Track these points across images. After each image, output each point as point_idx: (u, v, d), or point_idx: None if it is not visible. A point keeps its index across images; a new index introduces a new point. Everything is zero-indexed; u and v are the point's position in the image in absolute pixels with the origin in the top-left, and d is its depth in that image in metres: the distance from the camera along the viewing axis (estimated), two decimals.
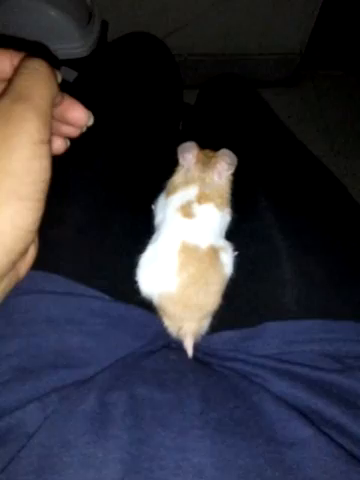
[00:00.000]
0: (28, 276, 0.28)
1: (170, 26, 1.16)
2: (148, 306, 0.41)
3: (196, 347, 0.40)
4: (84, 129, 0.29)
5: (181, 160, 0.42)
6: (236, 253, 0.44)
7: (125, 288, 0.41)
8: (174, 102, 0.68)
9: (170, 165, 0.64)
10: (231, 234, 0.43)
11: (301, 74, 1.41)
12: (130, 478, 0.26)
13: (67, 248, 0.41)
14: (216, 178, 0.41)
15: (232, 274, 0.41)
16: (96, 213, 0.44)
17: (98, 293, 0.40)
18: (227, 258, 0.40)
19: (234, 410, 0.32)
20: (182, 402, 0.32)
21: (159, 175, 0.56)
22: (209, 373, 0.37)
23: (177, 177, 0.42)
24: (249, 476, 0.27)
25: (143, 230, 0.46)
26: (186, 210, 0.39)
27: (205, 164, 0.41)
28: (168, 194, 0.42)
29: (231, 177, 0.42)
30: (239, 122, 0.60)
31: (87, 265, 0.41)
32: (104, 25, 1.05)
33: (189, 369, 0.36)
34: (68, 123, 0.28)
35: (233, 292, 0.40)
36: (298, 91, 1.42)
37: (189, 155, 0.41)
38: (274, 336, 0.39)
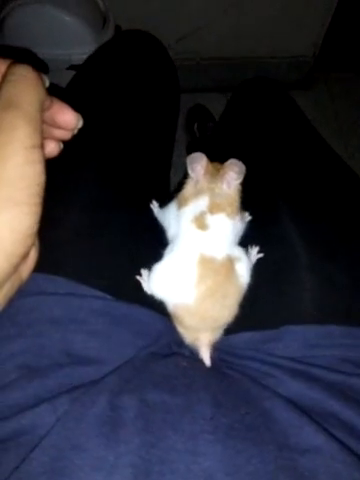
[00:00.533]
0: (30, 279, 0.29)
1: (182, 30, 1.16)
2: (151, 305, 0.41)
3: (213, 348, 0.40)
4: (75, 131, 0.29)
5: (190, 171, 0.42)
6: (261, 255, 0.44)
7: (127, 288, 0.42)
8: (170, 100, 0.67)
9: (167, 165, 0.64)
10: (253, 238, 0.43)
11: (314, 77, 1.40)
12: None
13: (66, 250, 0.41)
14: (225, 188, 0.41)
15: (254, 276, 0.41)
16: (93, 214, 0.44)
17: (99, 293, 0.40)
18: (243, 268, 0.40)
19: (245, 416, 0.32)
20: (193, 407, 0.32)
21: (156, 174, 0.57)
22: (220, 379, 0.36)
23: (187, 189, 0.42)
24: None
25: (141, 229, 0.47)
26: (200, 222, 0.40)
27: (214, 175, 0.42)
28: (180, 206, 0.42)
29: (240, 186, 0.42)
30: (269, 127, 0.60)
31: (87, 266, 0.41)
32: (118, 30, 1.06)
33: (200, 375, 0.36)
34: (59, 126, 0.28)
35: (255, 294, 0.40)
36: (311, 94, 1.41)
37: (198, 166, 0.41)
38: (295, 339, 0.39)
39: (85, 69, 0.64)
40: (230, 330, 0.41)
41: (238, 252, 0.41)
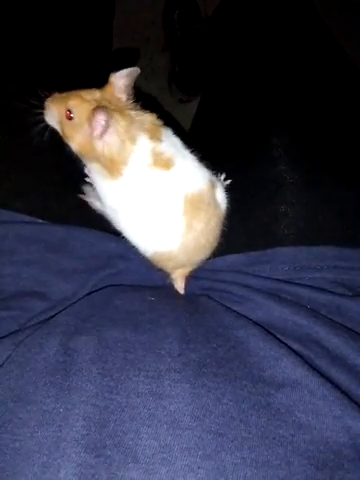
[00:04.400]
0: None
1: None
2: (98, 227, 0.37)
3: (193, 275, 0.39)
4: None
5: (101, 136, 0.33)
6: (228, 182, 0.41)
7: (62, 209, 0.37)
8: None
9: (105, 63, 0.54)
10: (244, 158, 0.41)
11: None
12: (96, 434, 0.23)
13: None
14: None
15: (246, 197, 0.39)
16: (4, 124, 0.37)
17: (27, 217, 0.35)
18: (220, 193, 0.37)
19: (217, 349, 0.29)
20: (159, 343, 0.29)
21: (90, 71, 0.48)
22: (192, 311, 0.33)
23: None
24: (231, 424, 0.25)
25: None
26: (161, 161, 0.33)
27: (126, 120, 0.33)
28: (117, 173, 0.33)
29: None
30: (273, 29, 0.49)
31: (7, 187, 0.36)
32: None
33: (169, 308, 0.33)
34: None
35: (245, 216, 0.38)
36: None
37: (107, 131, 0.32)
38: (284, 261, 0.36)
39: None
40: (216, 254, 0.39)
41: (211, 177, 0.37)
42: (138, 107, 0.34)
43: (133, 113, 0.33)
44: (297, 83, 0.44)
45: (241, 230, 0.38)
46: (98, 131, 0.30)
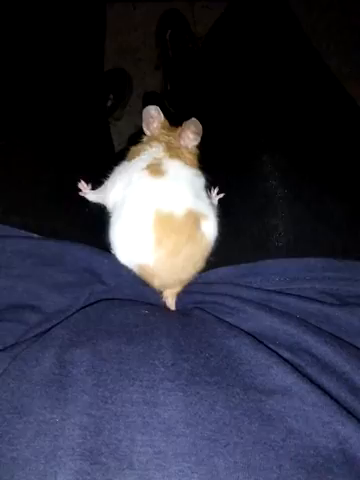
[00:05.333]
0: None
1: None
2: (90, 243, 0.38)
3: (185, 290, 0.39)
4: None
5: (144, 127, 0.41)
6: (221, 196, 0.43)
7: (57, 225, 0.38)
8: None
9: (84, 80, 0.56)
10: (235, 172, 0.42)
11: None
12: (92, 442, 0.24)
13: None
14: (182, 145, 0.40)
15: (235, 210, 0.41)
16: None
17: (24, 232, 0.36)
18: (209, 226, 0.38)
19: (209, 359, 0.30)
20: (152, 354, 0.30)
21: (63, 89, 0.49)
22: (185, 323, 0.34)
23: (140, 144, 0.41)
24: (224, 430, 0.25)
25: (54, 153, 0.42)
26: (154, 168, 0.37)
27: (170, 130, 0.41)
28: (129, 159, 0.40)
29: (197, 150, 0.41)
30: (263, 53, 0.51)
31: (4, 203, 0.37)
32: None
33: (162, 321, 0.34)
34: None
35: (235, 229, 0.38)
36: None
37: (154, 123, 0.40)
38: (274, 273, 0.37)
39: None
40: (208, 267, 0.39)
41: (205, 208, 0.38)
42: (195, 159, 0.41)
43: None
44: (286, 101, 0.46)
45: (233, 243, 0.39)
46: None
